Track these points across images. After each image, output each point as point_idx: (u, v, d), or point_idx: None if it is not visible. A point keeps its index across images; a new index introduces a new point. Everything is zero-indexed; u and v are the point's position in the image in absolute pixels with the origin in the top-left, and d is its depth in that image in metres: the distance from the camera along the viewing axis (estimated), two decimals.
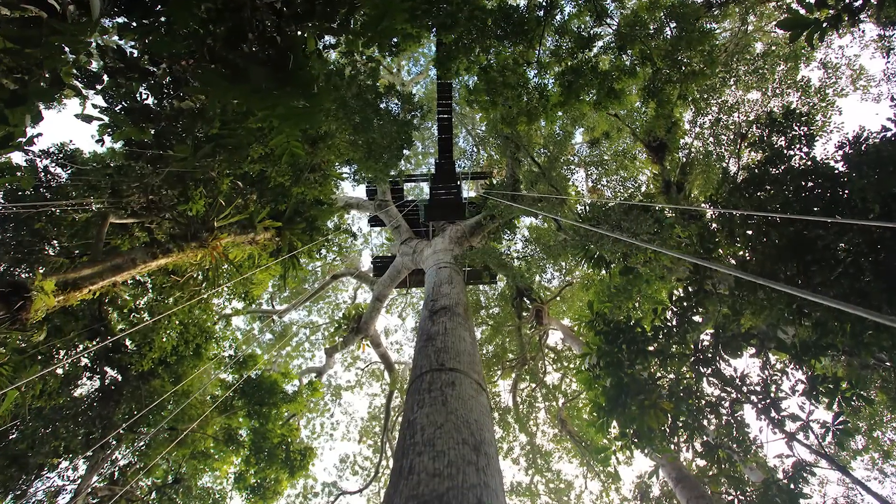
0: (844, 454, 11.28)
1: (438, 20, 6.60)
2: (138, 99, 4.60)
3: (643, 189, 10.82)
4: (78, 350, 7.92)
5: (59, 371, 8.02)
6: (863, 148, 5.23)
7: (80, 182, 6.67)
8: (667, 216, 7.84)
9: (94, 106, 4.48)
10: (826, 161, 5.64)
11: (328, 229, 9.77)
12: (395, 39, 6.50)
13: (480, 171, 15.80)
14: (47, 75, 3.33)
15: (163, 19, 3.21)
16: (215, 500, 11.01)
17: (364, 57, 7.16)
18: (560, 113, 9.23)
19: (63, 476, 8.53)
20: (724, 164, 8.92)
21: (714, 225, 6.35)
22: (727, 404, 5.47)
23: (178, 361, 9.33)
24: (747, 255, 5.85)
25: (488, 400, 4.51)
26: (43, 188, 6.80)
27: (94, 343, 7.77)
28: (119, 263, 5.54)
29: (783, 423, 5.08)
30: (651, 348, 5.68)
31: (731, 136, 8.92)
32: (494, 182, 14.27)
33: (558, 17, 7.88)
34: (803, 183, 5.44)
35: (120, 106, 4.61)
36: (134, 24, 3.25)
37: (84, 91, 4.06)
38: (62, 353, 7.69)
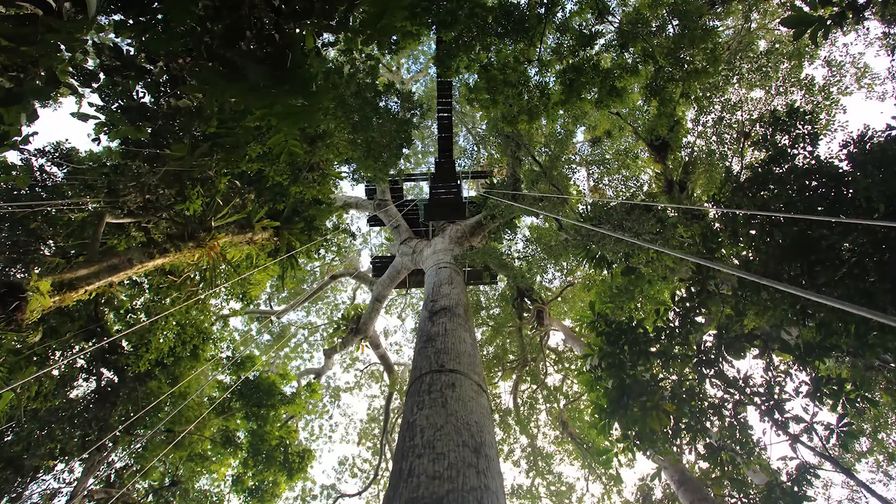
0: (849, 456, 11.28)
1: (438, 17, 6.61)
2: (135, 97, 4.60)
3: (645, 188, 10.82)
4: (74, 351, 7.92)
5: (55, 372, 8.02)
6: (867, 147, 5.23)
7: (76, 181, 6.67)
8: (669, 216, 7.84)
9: (91, 104, 4.48)
10: (830, 160, 5.64)
11: (327, 229, 9.77)
12: (395, 37, 6.50)
13: (481, 171, 15.80)
14: (43, 73, 3.33)
15: (160, 17, 3.21)
16: (213, 502, 11.01)
17: (363, 55, 7.16)
18: (561, 111, 9.23)
19: (59, 478, 8.53)
20: (727, 163, 8.92)
21: (717, 224, 6.35)
22: (730, 406, 5.47)
23: (176, 363, 9.33)
24: (750, 255, 5.85)
25: (489, 401, 4.51)
26: (39, 187, 6.80)
27: (91, 344, 7.76)
28: (115, 263, 5.54)
29: (787, 425, 5.08)
30: (653, 349, 5.68)
31: (735, 135, 8.92)
32: (495, 181, 14.27)
33: (559, 15, 7.88)
34: (807, 182, 5.44)
35: (116, 104, 4.61)
36: (130, 21, 3.25)
37: (80, 89, 4.07)
38: (58, 354, 7.69)
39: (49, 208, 6.56)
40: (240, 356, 11.65)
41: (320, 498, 17.88)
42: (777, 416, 5.10)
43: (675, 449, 5.46)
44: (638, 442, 5.43)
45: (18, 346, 6.63)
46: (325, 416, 20.87)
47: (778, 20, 11.65)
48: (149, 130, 4.94)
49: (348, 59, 7.22)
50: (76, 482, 8.53)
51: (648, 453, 5.59)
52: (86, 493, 8.49)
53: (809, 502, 4.95)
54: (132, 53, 4.14)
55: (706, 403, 5.54)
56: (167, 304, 8.36)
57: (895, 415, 10.34)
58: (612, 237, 7.28)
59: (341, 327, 14.55)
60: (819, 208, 5.20)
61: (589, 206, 8.96)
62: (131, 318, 8.70)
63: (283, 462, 11.07)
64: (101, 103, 4.55)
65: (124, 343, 8.73)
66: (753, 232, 5.74)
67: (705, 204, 9.16)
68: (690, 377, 5.68)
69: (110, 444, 8.86)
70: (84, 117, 4.10)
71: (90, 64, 4.30)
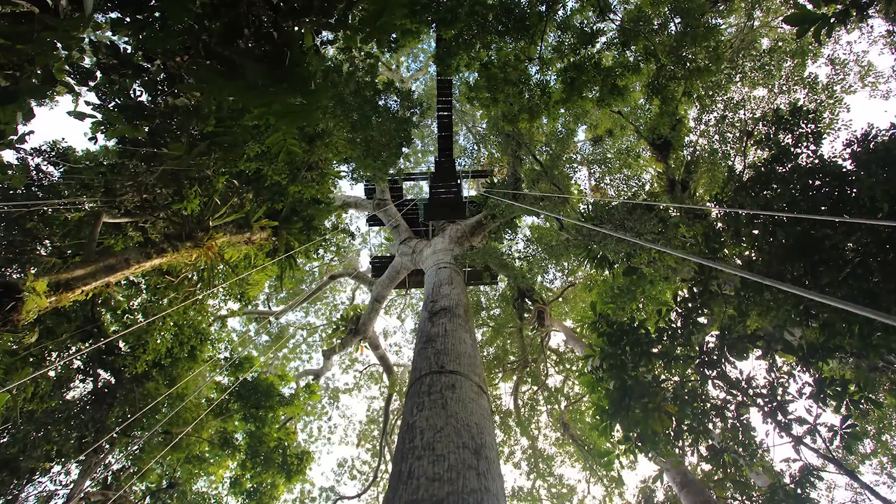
0: (853, 458, 11.28)
1: (438, 15, 6.61)
2: (132, 96, 4.60)
3: (647, 188, 10.82)
4: (70, 352, 7.92)
5: (52, 373, 8.02)
6: (871, 146, 5.23)
7: (72, 181, 6.67)
8: (671, 215, 7.84)
9: (87, 103, 4.48)
10: (834, 159, 5.64)
11: (326, 229, 9.77)
12: (394, 35, 6.50)
13: (481, 170, 15.80)
14: (39, 72, 3.33)
15: (157, 15, 3.21)
16: None
17: (362, 53, 7.16)
18: (562, 110, 9.24)
19: (55, 480, 8.54)
20: (730, 163, 8.92)
21: (719, 224, 6.35)
22: (733, 407, 5.47)
23: (173, 364, 9.33)
24: (753, 255, 5.85)
25: (489, 403, 4.52)
26: (35, 187, 6.80)
27: (87, 345, 7.77)
28: (112, 264, 5.54)
29: (790, 427, 5.08)
30: (655, 350, 5.68)
31: (737, 134, 8.92)
32: (495, 181, 14.27)
33: (560, 13, 7.89)
34: (810, 181, 5.44)
35: (113, 103, 4.61)
36: (128, 19, 3.25)
37: (77, 88, 4.06)
38: (54, 355, 7.69)
39: (45, 208, 6.57)
40: (238, 357, 11.65)
41: (319, 500, 17.89)
42: (780, 417, 5.10)
43: (677, 451, 5.46)
44: (640, 444, 5.43)
45: (14, 346, 6.63)
46: (324, 417, 20.88)
47: (781, 18, 11.65)
48: (146, 129, 4.94)
49: (347, 57, 7.22)
50: (73, 484, 8.53)
51: (650, 455, 5.59)
52: (82, 495, 8.49)
53: None
54: (129, 51, 4.14)
55: (708, 405, 5.54)
56: (164, 304, 8.37)
57: None
58: (613, 237, 7.28)
59: (340, 328, 14.55)
60: (822, 208, 5.20)
61: (590, 206, 8.96)
62: (128, 318, 8.70)
63: (282, 464, 11.07)
64: (97, 102, 4.56)
65: (121, 344, 8.73)
66: (756, 232, 5.74)
67: (708, 203, 9.16)
68: (693, 378, 5.68)
69: (107, 446, 8.86)
70: (81, 116, 4.10)
71: (87, 62, 4.30)
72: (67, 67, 3.85)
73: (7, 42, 2.92)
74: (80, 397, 8.76)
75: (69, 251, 6.79)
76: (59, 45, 3.22)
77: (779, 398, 5.19)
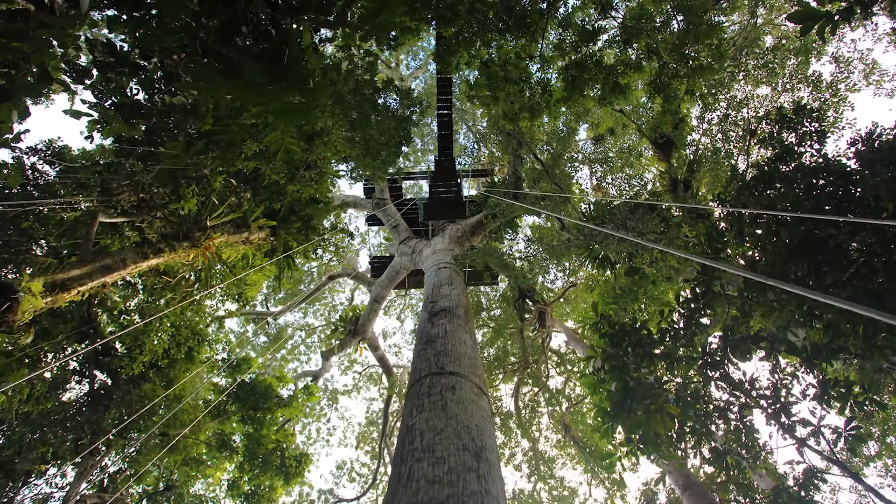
0: (857, 460, 11.28)
1: (438, 13, 6.61)
2: (129, 94, 4.60)
3: (649, 187, 10.82)
4: (66, 353, 7.92)
5: (47, 375, 8.02)
6: (876, 144, 5.23)
7: (68, 180, 6.67)
8: (674, 215, 7.84)
9: (84, 101, 4.48)
10: (838, 158, 5.64)
11: (324, 228, 9.78)
12: (394, 33, 6.50)
13: (481, 169, 15.81)
14: (35, 70, 3.33)
15: (154, 12, 3.21)
16: None
17: (361, 51, 7.16)
18: (563, 108, 9.23)
19: (51, 483, 8.53)
20: (733, 162, 8.92)
21: (722, 224, 6.35)
22: (736, 409, 5.47)
23: (170, 365, 9.33)
24: (757, 255, 5.85)
25: (489, 404, 4.52)
26: (30, 186, 6.80)
27: (83, 346, 7.77)
28: (109, 264, 5.54)
29: (794, 429, 5.08)
30: (657, 351, 5.68)
31: (740, 133, 8.92)
32: (496, 180, 14.28)
33: (561, 10, 7.89)
34: (814, 181, 5.44)
35: (110, 101, 4.61)
36: (124, 16, 3.25)
37: (73, 86, 4.06)
38: (50, 356, 7.69)
39: (41, 207, 6.56)
40: (236, 358, 11.65)
41: (318, 503, 17.89)
42: (784, 419, 5.10)
43: (679, 453, 5.46)
44: (642, 446, 5.43)
45: (10, 347, 6.63)
46: (322, 419, 20.89)
47: (784, 15, 11.65)
48: (143, 128, 4.94)
49: (346, 55, 7.23)
50: (69, 487, 8.53)
51: (652, 457, 5.59)
52: (79, 497, 8.49)
53: None
54: (126, 49, 4.14)
55: (711, 406, 5.54)
56: (161, 305, 8.37)
57: None
58: (615, 237, 7.28)
59: (339, 329, 14.54)
60: (826, 207, 5.20)
61: (592, 206, 8.96)
62: (125, 319, 8.70)
63: (280, 466, 11.07)
64: (94, 100, 4.56)
65: (118, 345, 8.73)
66: (759, 231, 5.74)
67: (710, 203, 9.16)
68: (695, 380, 5.68)
69: (103, 448, 8.86)
70: (77, 114, 4.10)
71: (83, 60, 4.30)
72: (63, 65, 3.84)
73: (3, 39, 2.92)
74: (76, 399, 8.76)
75: (65, 251, 6.79)
76: (55, 42, 3.22)
77: (782, 400, 5.19)
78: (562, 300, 15.39)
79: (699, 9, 7.20)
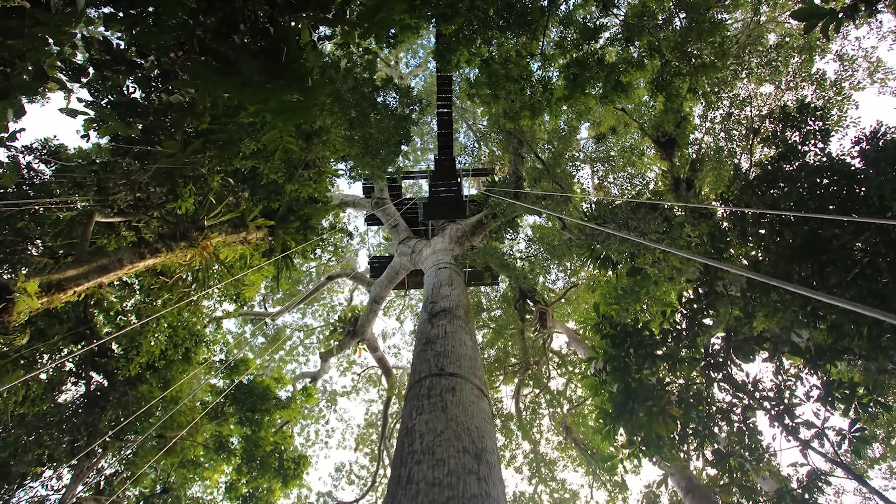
0: (861, 463, 11.28)
1: (438, 10, 6.60)
2: (125, 92, 4.60)
3: (651, 186, 10.83)
4: (62, 354, 7.92)
5: (43, 376, 8.02)
6: (880, 143, 5.23)
7: (64, 179, 6.67)
8: (676, 215, 7.84)
9: (80, 100, 4.48)
10: (842, 157, 5.64)
11: (323, 228, 9.78)
12: (393, 30, 6.51)
13: (482, 168, 15.81)
14: (30, 68, 3.33)
15: (151, 9, 3.21)
16: None
17: (360, 49, 7.17)
18: (565, 107, 9.23)
19: (47, 485, 8.53)
20: (736, 161, 8.92)
21: (725, 224, 6.35)
22: (739, 411, 5.47)
23: (167, 366, 9.33)
24: (760, 255, 5.85)
25: (490, 406, 4.52)
26: (26, 185, 6.80)
27: (80, 347, 7.77)
28: (105, 264, 5.54)
29: (797, 431, 5.08)
30: (659, 352, 5.68)
31: (743, 132, 8.92)
32: (496, 179, 14.28)
33: (563, 7, 7.89)
34: (818, 180, 5.44)
35: (106, 100, 4.61)
36: (121, 14, 3.25)
37: (69, 84, 4.07)
38: (46, 357, 7.69)
39: (37, 207, 6.56)
40: (233, 359, 11.65)
41: None
42: (787, 421, 5.10)
43: (682, 455, 5.46)
44: (644, 448, 5.43)
45: (5, 348, 6.63)
46: (321, 421, 20.90)
47: (788, 13, 11.64)
48: (139, 127, 4.94)
49: (345, 53, 7.23)
50: (65, 489, 8.53)
51: (655, 459, 5.59)
52: (75, 500, 8.49)
53: None
54: (122, 47, 4.14)
55: (714, 408, 5.54)
56: (158, 305, 8.37)
57: None
58: (617, 237, 7.28)
59: (338, 330, 14.54)
60: (830, 207, 5.20)
61: (593, 205, 8.96)
62: (121, 320, 8.70)
63: (278, 468, 11.07)
64: (90, 99, 4.56)
65: (114, 346, 8.73)
66: (763, 231, 5.74)
67: (713, 202, 9.16)
68: (698, 381, 5.68)
69: (100, 450, 8.86)
70: (73, 113, 4.10)
71: (79, 58, 4.30)
72: (59, 63, 3.85)
73: None
74: (72, 400, 8.76)
75: (61, 251, 6.80)
76: (50, 40, 3.22)
77: (786, 401, 5.19)
78: (563, 301, 15.39)
79: (702, 6, 7.20)
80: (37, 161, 6.97)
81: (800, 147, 5.94)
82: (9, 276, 6.39)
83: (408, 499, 2.89)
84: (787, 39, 9.62)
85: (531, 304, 14.20)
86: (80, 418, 8.44)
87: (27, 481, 8.14)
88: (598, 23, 7.65)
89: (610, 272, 9.02)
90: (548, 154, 11.09)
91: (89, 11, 3.61)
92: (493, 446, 3.65)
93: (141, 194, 5.96)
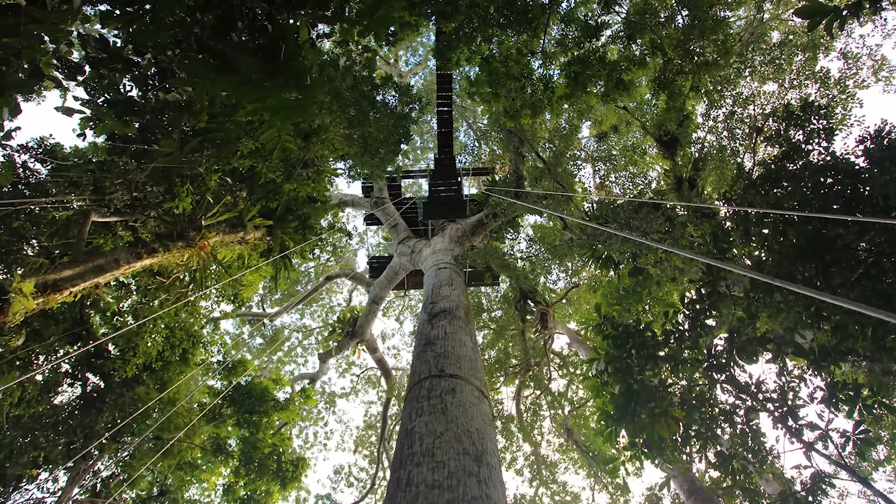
0: (866, 465, 11.28)
1: (438, 8, 6.61)
2: (122, 91, 4.61)
3: (653, 186, 10.83)
4: (58, 355, 7.92)
5: (39, 377, 8.02)
6: (885, 142, 5.23)
7: (60, 178, 6.68)
8: (678, 214, 7.84)
9: (76, 98, 4.48)
10: (846, 156, 5.64)
11: (322, 228, 9.78)
12: (393, 28, 6.51)
13: (482, 167, 15.81)
14: (26, 66, 3.33)
15: (148, 7, 3.21)
16: None
17: (360, 47, 7.17)
18: (566, 105, 9.24)
19: (43, 488, 8.52)
20: (739, 160, 8.92)
21: (728, 223, 6.36)
22: (742, 412, 5.47)
23: (164, 367, 9.33)
24: (763, 255, 5.85)
25: (490, 408, 4.52)
26: (21, 185, 6.80)
27: (76, 348, 7.77)
28: (101, 264, 5.54)
29: (801, 432, 5.08)
30: (662, 353, 5.68)
31: (746, 130, 8.92)
32: (497, 178, 14.28)
33: (564, 5, 7.89)
34: (822, 179, 5.44)
35: (103, 98, 4.62)
36: (117, 11, 3.24)
37: (65, 83, 4.06)
38: (41, 358, 7.69)
39: (32, 206, 6.57)
40: (231, 360, 11.65)
41: None
42: (791, 422, 5.10)
43: (684, 457, 5.46)
44: (646, 450, 5.43)
45: (0, 350, 6.63)
46: (320, 422, 20.89)
47: (792, 10, 11.65)
48: (136, 125, 4.94)
49: (344, 51, 7.24)
50: (61, 492, 8.53)
51: (657, 462, 5.59)
52: (71, 503, 8.50)
53: None
54: (119, 45, 4.14)
55: (717, 410, 5.54)
56: (155, 306, 8.37)
57: None
58: (618, 237, 7.28)
59: (337, 330, 14.54)
60: (834, 206, 5.20)
61: (595, 205, 8.97)
62: (118, 320, 8.70)
63: (277, 471, 11.07)
64: (86, 97, 4.56)
65: (111, 347, 8.73)
66: (766, 231, 5.74)
67: (716, 202, 9.16)
68: (700, 382, 5.68)
69: (96, 452, 8.86)
70: (69, 112, 4.10)
71: (75, 56, 4.30)
72: (55, 61, 3.85)
73: None
74: (68, 402, 8.76)
75: (57, 251, 6.79)
76: (46, 38, 3.22)
77: (789, 403, 5.19)
78: (564, 301, 15.39)
79: (704, 4, 7.20)
80: (32, 160, 6.98)
81: (803, 146, 5.94)
82: (4, 276, 6.39)
83: (407, 501, 2.89)
84: (791, 37, 9.62)
85: (532, 304, 14.20)
86: (77, 420, 8.44)
87: (23, 484, 8.14)
88: (599, 20, 7.65)
89: (612, 272, 9.02)
90: (549, 153, 11.10)
91: (85, 9, 3.61)
92: (493, 448, 3.65)
93: (138, 194, 5.97)
